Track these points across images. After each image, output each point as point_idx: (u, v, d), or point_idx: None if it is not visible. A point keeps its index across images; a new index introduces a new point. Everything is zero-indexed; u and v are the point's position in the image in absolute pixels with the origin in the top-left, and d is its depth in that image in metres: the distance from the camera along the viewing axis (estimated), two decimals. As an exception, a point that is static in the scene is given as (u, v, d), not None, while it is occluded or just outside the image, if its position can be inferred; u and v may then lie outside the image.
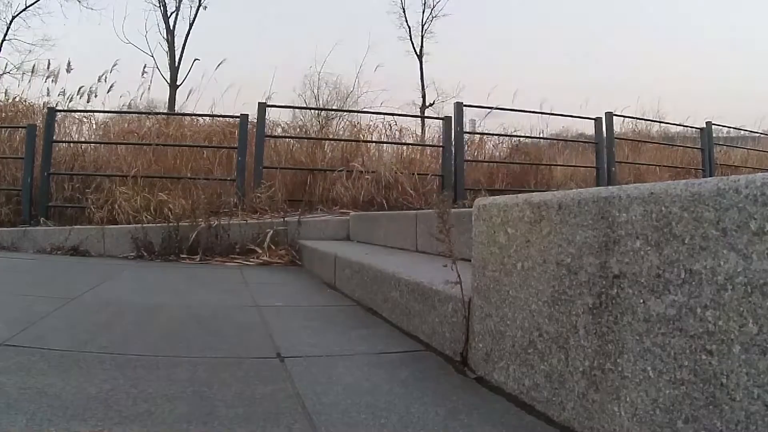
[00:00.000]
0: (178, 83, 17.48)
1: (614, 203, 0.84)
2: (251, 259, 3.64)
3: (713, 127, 7.23)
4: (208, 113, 6.09)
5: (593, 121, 6.21)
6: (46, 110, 5.26)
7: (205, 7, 19.54)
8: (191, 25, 19.11)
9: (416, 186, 5.22)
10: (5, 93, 6.54)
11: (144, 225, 3.93)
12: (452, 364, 1.30)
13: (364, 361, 1.35)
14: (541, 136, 6.92)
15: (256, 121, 5.02)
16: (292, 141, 5.88)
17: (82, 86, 6.75)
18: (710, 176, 2.81)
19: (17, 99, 6.23)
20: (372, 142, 5.89)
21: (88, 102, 6.65)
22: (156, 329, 1.61)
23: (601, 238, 0.87)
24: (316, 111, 7.69)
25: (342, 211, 4.69)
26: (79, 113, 5.92)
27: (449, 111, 5.67)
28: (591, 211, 0.89)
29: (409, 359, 1.37)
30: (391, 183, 5.12)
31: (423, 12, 20.14)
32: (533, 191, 1.76)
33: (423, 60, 19.78)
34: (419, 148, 6.13)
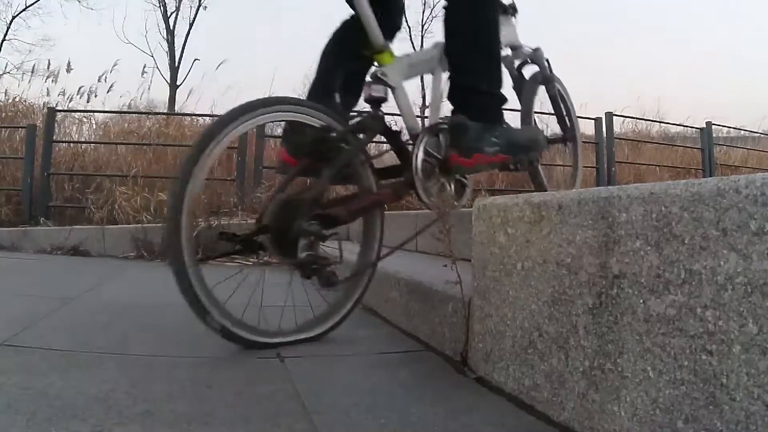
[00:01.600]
0: (178, 83, 17.48)
1: (614, 203, 0.84)
2: (251, 259, 3.63)
3: (713, 127, 7.23)
4: (208, 113, 6.10)
5: (593, 121, 6.21)
6: (46, 110, 5.26)
7: (205, 7, 19.55)
8: (191, 25, 19.13)
9: (416, 186, 5.21)
10: (5, 93, 6.55)
11: (144, 225, 3.94)
12: (452, 365, 1.30)
13: (365, 362, 1.35)
14: (541, 136, 6.90)
15: (256, 121, 5.02)
16: (292, 141, 5.88)
17: (82, 86, 6.77)
18: (710, 176, 2.81)
19: (17, 99, 6.24)
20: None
21: (88, 102, 6.66)
22: (156, 329, 1.61)
23: (601, 238, 0.87)
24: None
25: (342, 211, 4.69)
26: (79, 113, 5.92)
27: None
28: (591, 211, 0.89)
29: (409, 359, 1.37)
30: (391, 183, 5.11)
31: (423, 12, 20.15)
32: (533, 191, 1.76)
33: (423, 60, 19.76)
34: (419, 148, 6.12)
